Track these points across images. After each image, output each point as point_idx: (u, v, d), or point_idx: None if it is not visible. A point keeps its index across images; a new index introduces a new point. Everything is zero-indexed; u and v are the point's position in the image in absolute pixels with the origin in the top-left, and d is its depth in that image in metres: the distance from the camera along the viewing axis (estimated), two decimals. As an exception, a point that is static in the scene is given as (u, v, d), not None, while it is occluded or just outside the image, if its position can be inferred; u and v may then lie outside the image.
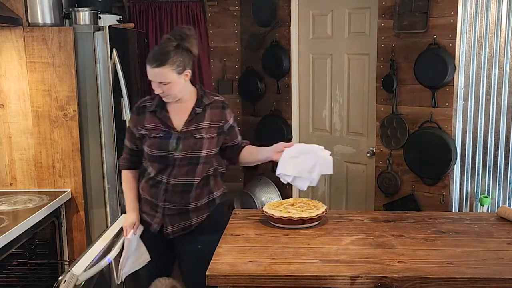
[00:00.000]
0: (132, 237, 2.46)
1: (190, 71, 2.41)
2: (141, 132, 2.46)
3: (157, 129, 2.44)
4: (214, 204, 2.54)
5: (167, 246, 2.55)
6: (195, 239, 2.50)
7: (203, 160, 2.44)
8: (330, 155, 2.47)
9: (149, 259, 2.53)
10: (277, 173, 2.43)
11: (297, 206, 2.48)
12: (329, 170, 2.47)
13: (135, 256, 2.51)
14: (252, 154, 2.60)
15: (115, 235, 2.64)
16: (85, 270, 2.32)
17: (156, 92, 2.39)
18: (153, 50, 2.39)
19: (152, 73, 2.34)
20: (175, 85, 2.37)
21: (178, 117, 2.46)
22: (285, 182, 2.45)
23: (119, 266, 2.48)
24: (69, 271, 2.25)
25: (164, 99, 2.42)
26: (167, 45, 2.34)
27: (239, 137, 2.62)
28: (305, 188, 2.45)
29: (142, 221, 2.54)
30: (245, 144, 2.63)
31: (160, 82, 2.34)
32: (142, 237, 2.54)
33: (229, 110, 2.57)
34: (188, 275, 2.58)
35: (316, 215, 2.37)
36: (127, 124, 2.56)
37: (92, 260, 2.40)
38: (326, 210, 2.44)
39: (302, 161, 2.42)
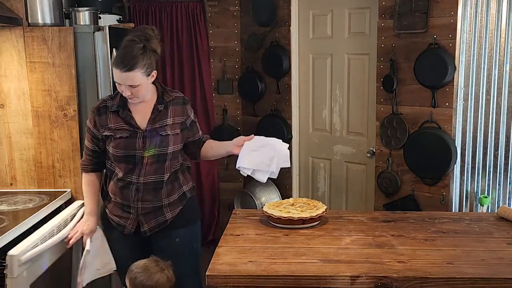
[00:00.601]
0: (91, 246, 2.48)
1: (156, 71, 2.42)
2: (105, 133, 2.46)
3: (121, 129, 2.44)
4: (186, 198, 2.58)
5: (143, 245, 2.55)
6: (171, 233, 2.53)
7: (170, 156, 2.47)
8: (289, 148, 2.54)
9: (114, 268, 2.57)
10: (236, 166, 2.51)
11: (297, 206, 2.48)
12: (287, 163, 2.51)
13: (99, 264, 2.53)
14: (213, 149, 2.66)
15: (61, 220, 2.68)
16: (27, 251, 2.32)
17: (124, 95, 2.38)
18: (119, 53, 2.36)
19: (121, 76, 2.32)
20: (143, 87, 2.38)
21: (141, 115, 2.46)
22: (245, 175, 2.53)
23: (78, 273, 2.50)
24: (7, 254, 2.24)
25: (130, 101, 2.42)
26: (134, 48, 2.32)
27: (200, 132, 2.66)
28: (264, 181, 2.52)
29: (114, 225, 2.53)
30: (206, 138, 2.68)
31: (131, 85, 2.33)
32: (115, 241, 2.55)
33: (190, 106, 2.60)
34: None
35: (316, 215, 2.37)
36: (87, 125, 2.54)
37: (35, 243, 2.40)
38: (326, 210, 2.44)
39: (261, 154, 2.48)
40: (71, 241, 2.56)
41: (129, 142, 2.42)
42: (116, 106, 2.47)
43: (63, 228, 2.67)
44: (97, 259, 2.57)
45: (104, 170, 2.60)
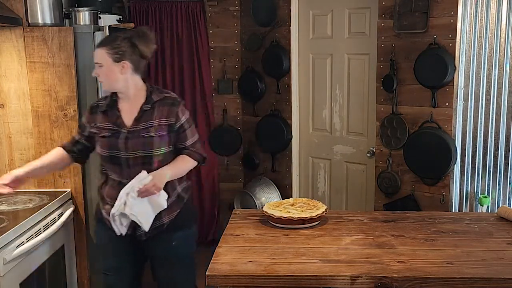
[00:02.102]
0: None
1: (129, 64, 2.40)
2: (92, 130, 2.48)
3: (106, 128, 2.45)
4: (183, 201, 2.54)
5: (139, 247, 2.53)
6: (168, 237, 2.50)
7: (156, 158, 2.42)
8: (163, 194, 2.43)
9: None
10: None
11: (297, 206, 2.48)
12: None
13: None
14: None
15: (48, 219, 2.69)
16: (13, 250, 2.35)
17: (93, 74, 2.45)
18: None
19: (94, 53, 2.43)
20: (108, 70, 2.39)
21: (128, 116, 2.46)
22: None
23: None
24: None
25: (102, 87, 2.49)
26: (118, 34, 2.43)
27: (189, 141, 2.50)
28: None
29: (112, 228, 2.46)
30: (187, 151, 2.50)
31: (96, 63, 2.41)
32: (110, 243, 2.51)
33: (182, 109, 2.49)
34: (163, 273, 2.57)
35: (316, 215, 2.37)
36: (81, 122, 2.61)
37: (21, 241, 2.42)
38: (326, 210, 2.44)
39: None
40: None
41: (112, 141, 2.42)
42: (106, 106, 2.48)
43: (50, 227, 2.68)
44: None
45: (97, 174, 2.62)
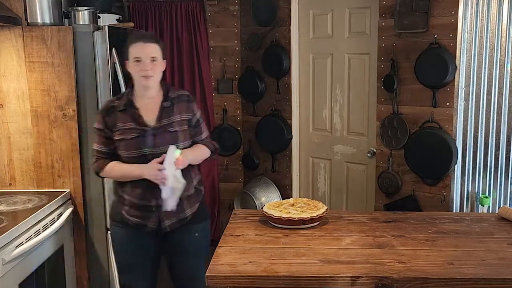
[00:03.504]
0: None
1: (165, 63, 2.53)
2: (116, 135, 2.45)
3: (131, 129, 2.44)
4: (201, 193, 2.64)
5: (160, 241, 2.57)
6: (191, 228, 2.57)
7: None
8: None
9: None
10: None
11: (297, 207, 2.47)
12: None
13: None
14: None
15: (47, 220, 2.69)
16: (12, 250, 2.34)
17: (142, 70, 2.41)
18: (138, 32, 2.55)
19: (145, 47, 2.43)
20: (159, 66, 2.47)
21: (149, 113, 2.48)
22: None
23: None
24: None
25: (144, 82, 2.44)
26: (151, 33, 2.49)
27: (204, 134, 2.64)
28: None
29: (134, 226, 2.50)
30: (204, 141, 2.62)
31: (152, 57, 2.42)
32: (131, 240, 2.52)
33: (195, 104, 2.63)
34: (182, 265, 2.62)
35: (317, 216, 2.36)
36: (95, 127, 2.53)
37: (20, 242, 2.42)
38: (326, 210, 2.43)
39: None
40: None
41: (140, 141, 2.43)
42: (124, 105, 2.47)
43: (50, 227, 2.67)
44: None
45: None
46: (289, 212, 2.38)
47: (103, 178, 2.67)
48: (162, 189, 2.38)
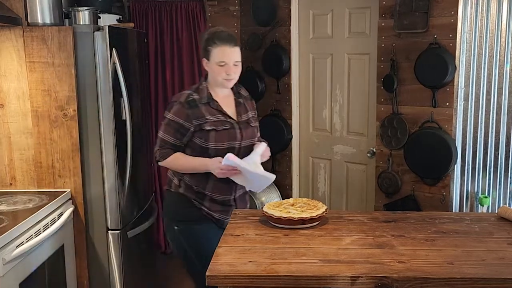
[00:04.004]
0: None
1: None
2: (206, 126, 2.48)
3: (221, 121, 2.52)
4: None
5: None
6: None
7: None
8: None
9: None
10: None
11: (297, 206, 2.47)
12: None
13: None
14: None
15: (47, 219, 2.69)
16: (12, 250, 2.35)
17: (228, 74, 2.49)
18: (221, 32, 2.49)
19: (231, 52, 2.48)
20: (240, 68, 2.56)
21: (228, 108, 2.58)
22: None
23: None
24: None
25: (227, 83, 2.52)
26: (227, 31, 2.52)
27: (259, 134, 2.76)
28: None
29: (215, 220, 2.60)
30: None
31: (235, 62, 2.50)
32: (212, 234, 2.51)
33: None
34: None
35: (316, 215, 2.36)
36: (170, 119, 2.52)
37: (21, 241, 2.42)
38: (326, 210, 2.43)
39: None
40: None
41: (231, 133, 2.53)
42: (207, 99, 2.53)
43: (50, 227, 2.67)
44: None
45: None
46: (289, 212, 2.38)
47: (159, 166, 2.69)
48: (235, 180, 2.51)
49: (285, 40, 4.08)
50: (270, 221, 2.39)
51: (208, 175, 2.55)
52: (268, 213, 2.38)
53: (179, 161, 2.56)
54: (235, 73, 2.53)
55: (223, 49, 2.45)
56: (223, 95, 2.59)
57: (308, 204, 2.50)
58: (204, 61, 2.54)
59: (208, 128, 2.49)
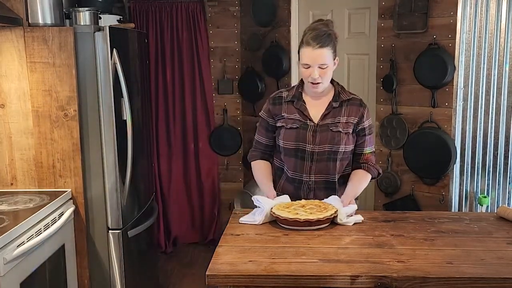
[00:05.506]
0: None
1: (338, 59, 2.41)
2: (278, 123, 2.47)
3: (293, 119, 2.44)
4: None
5: None
6: None
7: (340, 156, 2.45)
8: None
9: None
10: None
11: (307, 208, 2.43)
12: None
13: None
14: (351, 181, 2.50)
15: (48, 219, 2.68)
16: (13, 249, 2.34)
17: (312, 77, 2.34)
18: (307, 32, 2.35)
19: (313, 54, 2.30)
20: (329, 70, 2.36)
21: (315, 109, 2.45)
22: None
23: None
24: None
25: (313, 89, 2.39)
26: (321, 30, 2.32)
27: (367, 149, 2.52)
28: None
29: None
30: (365, 164, 2.51)
31: (321, 65, 2.32)
32: None
33: (367, 113, 2.51)
34: None
35: (324, 217, 2.31)
36: (260, 116, 2.55)
37: (21, 241, 2.42)
38: (335, 213, 2.38)
39: None
40: None
41: (300, 133, 2.42)
42: (292, 97, 2.47)
43: (51, 226, 2.68)
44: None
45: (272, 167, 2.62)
46: (297, 214, 2.35)
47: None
48: None
49: (285, 40, 4.09)
50: (278, 222, 2.37)
51: (282, 171, 2.55)
52: (275, 214, 2.35)
53: (254, 169, 2.59)
54: (321, 77, 2.34)
55: (307, 50, 2.32)
56: (315, 96, 2.48)
57: (318, 206, 2.44)
58: (299, 61, 2.43)
59: (279, 124, 2.47)
